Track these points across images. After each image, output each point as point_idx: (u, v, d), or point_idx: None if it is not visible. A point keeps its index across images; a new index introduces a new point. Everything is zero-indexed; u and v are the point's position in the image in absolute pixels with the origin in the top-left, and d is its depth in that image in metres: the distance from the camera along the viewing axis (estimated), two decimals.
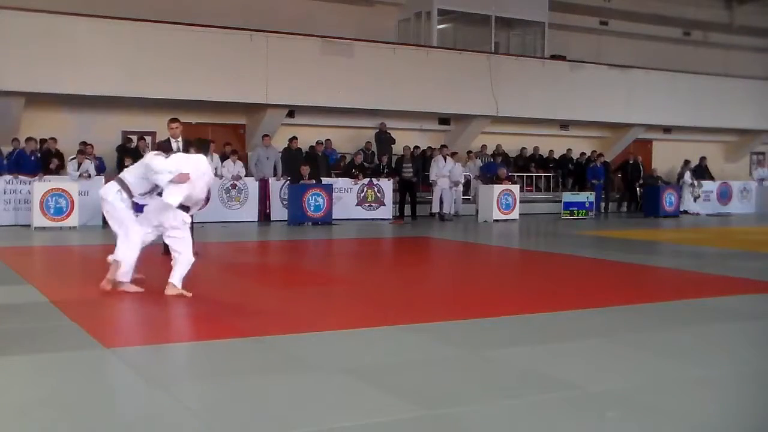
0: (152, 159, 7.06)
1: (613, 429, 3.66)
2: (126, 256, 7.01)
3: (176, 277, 6.94)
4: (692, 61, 23.80)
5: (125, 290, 7.02)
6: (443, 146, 18.09)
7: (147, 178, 7.02)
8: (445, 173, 17.34)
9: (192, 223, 8.42)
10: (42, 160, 14.70)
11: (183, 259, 6.99)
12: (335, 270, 9.96)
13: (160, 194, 7.09)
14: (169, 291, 6.88)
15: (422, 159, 18.43)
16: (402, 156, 18.07)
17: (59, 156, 15.05)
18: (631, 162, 21.22)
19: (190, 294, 6.83)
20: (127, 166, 14.75)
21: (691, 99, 22.06)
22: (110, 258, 7.15)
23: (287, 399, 4.01)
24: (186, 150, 9.08)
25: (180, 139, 9.64)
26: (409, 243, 13.38)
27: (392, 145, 18.64)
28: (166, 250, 8.82)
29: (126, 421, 3.66)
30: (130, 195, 7.05)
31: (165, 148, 9.58)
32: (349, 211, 16.73)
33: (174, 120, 9.70)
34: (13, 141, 14.84)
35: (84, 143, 15.05)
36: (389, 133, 18.56)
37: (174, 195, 6.84)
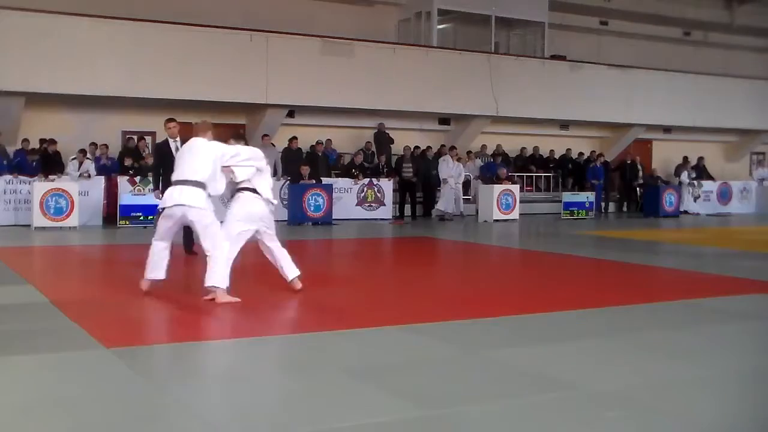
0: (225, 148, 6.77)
1: (613, 429, 3.66)
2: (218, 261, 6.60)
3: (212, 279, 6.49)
4: (692, 61, 23.80)
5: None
6: (452, 147, 18.09)
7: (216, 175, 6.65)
8: (454, 174, 17.38)
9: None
10: (42, 162, 14.70)
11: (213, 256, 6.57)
12: (335, 270, 9.96)
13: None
14: (218, 298, 6.47)
15: (422, 159, 18.44)
16: (402, 156, 18.08)
17: (58, 156, 15.07)
18: (629, 162, 21.23)
19: (238, 299, 6.50)
20: (126, 166, 14.93)
21: (691, 99, 22.06)
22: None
23: (287, 399, 4.01)
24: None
25: (178, 138, 9.57)
26: (409, 243, 13.38)
27: (391, 145, 18.65)
28: (187, 249, 8.90)
29: (126, 421, 3.66)
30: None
31: (163, 149, 9.62)
32: (349, 211, 16.73)
33: (171, 120, 9.67)
34: (23, 142, 14.91)
35: (94, 144, 15.11)
36: (388, 133, 18.56)
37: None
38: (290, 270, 6.98)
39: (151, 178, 14.44)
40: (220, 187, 6.72)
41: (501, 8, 20.41)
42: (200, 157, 6.64)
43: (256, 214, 6.82)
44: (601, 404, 3.99)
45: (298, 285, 6.95)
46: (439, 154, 18.25)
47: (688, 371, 4.69)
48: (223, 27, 16.37)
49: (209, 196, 6.65)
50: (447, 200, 17.42)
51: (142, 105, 16.30)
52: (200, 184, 6.56)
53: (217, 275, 6.49)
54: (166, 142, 9.72)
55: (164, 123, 9.75)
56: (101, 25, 15.22)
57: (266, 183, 6.88)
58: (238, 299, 6.54)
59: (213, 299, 6.52)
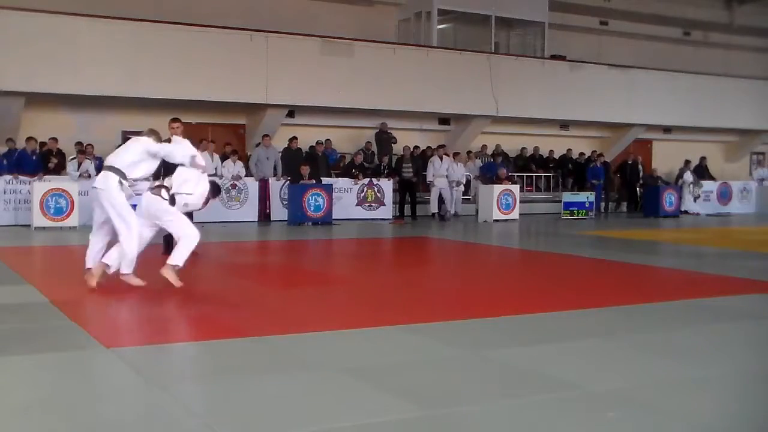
0: (162, 145, 7.28)
1: (613, 429, 3.66)
2: (129, 247, 7.03)
3: (176, 257, 7.00)
4: (692, 61, 23.80)
5: (129, 282, 7.06)
6: (439, 146, 18.12)
7: (144, 161, 7.12)
8: (442, 173, 17.37)
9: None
10: (42, 160, 14.70)
11: (185, 239, 7.04)
12: (335, 270, 9.96)
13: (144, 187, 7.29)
14: (165, 272, 6.95)
15: (422, 159, 18.45)
16: (402, 156, 18.09)
17: (60, 155, 15.06)
18: (630, 162, 21.24)
19: (181, 284, 6.93)
20: None
21: (691, 99, 22.07)
22: (102, 262, 7.17)
23: (287, 399, 4.01)
24: None
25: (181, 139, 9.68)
26: (408, 243, 13.38)
27: (393, 144, 18.65)
28: (166, 250, 8.87)
29: (126, 421, 3.66)
30: (125, 180, 7.09)
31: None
32: (349, 211, 16.73)
33: (175, 120, 9.70)
34: (7, 141, 14.83)
35: (80, 143, 15.02)
36: (390, 133, 18.56)
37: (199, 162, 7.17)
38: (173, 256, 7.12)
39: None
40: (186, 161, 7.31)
41: (501, 8, 20.41)
42: (129, 148, 7.27)
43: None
44: (601, 404, 3.99)
45: (166, 271, 7.04)
46: None
47: (688, 371, 4.69)
48: (223, 27, 16.37)
49: (126, 183, 7.10)
50: (432, 201, 17.47)
51: (142, 105, 16.30)
52: (115, 170, 7.07)
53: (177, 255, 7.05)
54: (168, 142, 9.79)
55: (168, 122, 9.80)
56: (101, 25, 15.23)
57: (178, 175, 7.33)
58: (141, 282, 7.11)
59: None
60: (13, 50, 14.41)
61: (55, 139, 15.07)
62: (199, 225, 10.93)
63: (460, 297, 7.40)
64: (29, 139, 14.68)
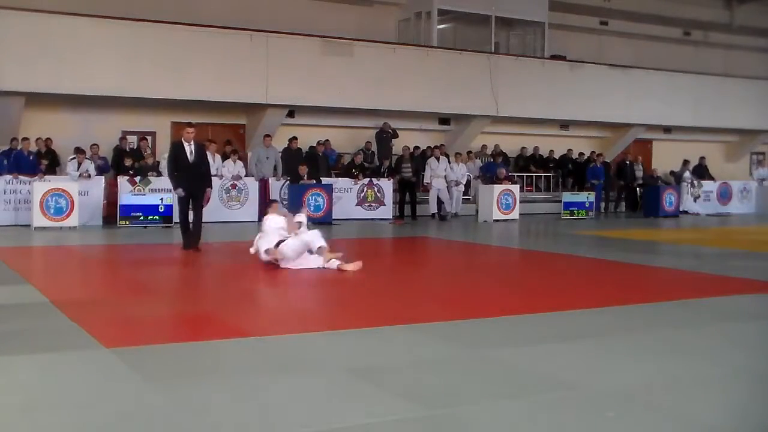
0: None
1: (613, 429, 3.66)
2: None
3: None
4: (692, 61, 23.81)
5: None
6: (436, 147, 18.12)
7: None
8: (440, 173, 17.38)
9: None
10: (38, 157, 14.74)
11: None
12: (335, 270, 9.94)
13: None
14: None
15: (422, 159, 18.45)
16: (401, 156, 18.09)
17: (52, 155, 15.07)
18: (627, 162, 21.23)
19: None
20: (126, 166, 14.96)
21: (691, 99, 22.08)
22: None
23: (287, 399, 4.01)
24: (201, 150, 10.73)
25: (192, 142, 10.45)
26: (408, 243, 13.38)
27: (394, 140, 18.59)
28: (186, 245, 10.12)
29: (125, 422, 3.65)
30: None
31: (179, 150, 10.29)
32: (349, 211, 16.73)
33: (190, 125, 10.67)
34: (12, 141, 14.87)
35: (77, 148, 15.00)
36: (390, 132, 18.53)
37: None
38: None
39: (167, 177, 14.49)
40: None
41: (501, 8, 20.41)
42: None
43: None
44: (601, 404, 3.99)
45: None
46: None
47: (688, 371, 4.69)
48: (223, 27, 16.37)
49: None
50: (431, 202, 17.48)
51: (142, 105, 16.31)
52: None
53: None
54: (181, 144, 10.52)
55: (185, 126, 10.80)
56: (101, 25, 15.23)
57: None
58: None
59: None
60: (13, 50, 14.41)
61: (41, 139, 15.07)
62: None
63: (460, 297, 7.39)
64: (24, 139, 14.71)
